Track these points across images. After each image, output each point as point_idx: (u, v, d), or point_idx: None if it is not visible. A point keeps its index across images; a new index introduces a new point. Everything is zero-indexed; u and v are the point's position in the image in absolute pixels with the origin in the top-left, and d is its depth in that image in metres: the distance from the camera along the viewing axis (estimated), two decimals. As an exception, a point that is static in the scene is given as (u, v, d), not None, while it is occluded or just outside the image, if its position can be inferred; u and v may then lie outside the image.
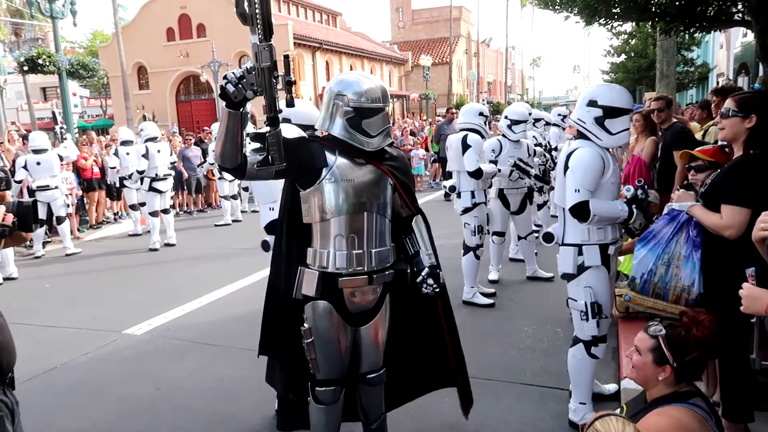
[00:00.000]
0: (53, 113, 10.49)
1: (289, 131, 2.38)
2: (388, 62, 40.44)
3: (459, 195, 5.53)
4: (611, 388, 3.57)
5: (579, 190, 2.98)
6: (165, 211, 9.05)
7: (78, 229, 10.08)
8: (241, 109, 2.13)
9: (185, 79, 30.09)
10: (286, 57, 2.08)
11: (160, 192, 8.92)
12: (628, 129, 3.04)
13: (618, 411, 2.09)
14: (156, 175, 8.83)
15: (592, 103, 3.05)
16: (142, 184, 9.01)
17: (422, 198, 12.52)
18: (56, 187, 8.56)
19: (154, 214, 8.86)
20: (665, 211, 3.48)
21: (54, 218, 8.70)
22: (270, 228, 3.33)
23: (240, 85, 2.05)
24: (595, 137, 3.05)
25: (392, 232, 2.68)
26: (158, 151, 8.86)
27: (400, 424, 3.21)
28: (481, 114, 5.44)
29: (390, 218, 2.63)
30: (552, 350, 3.77)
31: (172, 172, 9.27)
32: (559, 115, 8.31)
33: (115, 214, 11.82)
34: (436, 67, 39.21)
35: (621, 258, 4.41)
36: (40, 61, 11.23)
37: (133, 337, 5.10)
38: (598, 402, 3.37)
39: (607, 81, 31.93)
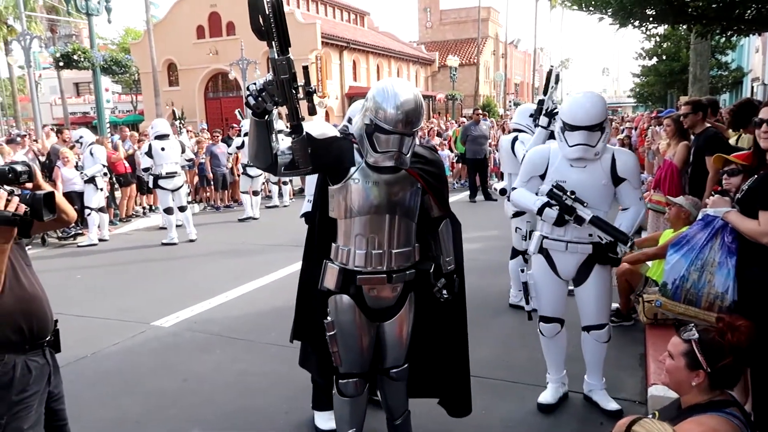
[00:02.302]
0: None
1: (322, 129, 2.50)
2: (415, 62, 40.40)
3: (510, 198, 5.41)
4: (613, 406, 3.38)
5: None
6: (181, 209, 8.94)
7: (111, 222, 10.28)
8: (266, 117, 2.27)
9: (214, 77, 30.48)
10: (305, 68, 2.18)
11: (166, 190, 8.78)
12: (583, 145, 3.11)
13: (650, 417, 2.06)
14: (160, 173, 8.67)
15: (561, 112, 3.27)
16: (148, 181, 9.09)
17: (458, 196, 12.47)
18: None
19: (168, 210, 8.88)
20: (699, 216, 3.43)
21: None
22: (306, 218, 3.40)
23: (260, 98, 2.19)
24: (558, 142, 3.25)
25: (419, 231, 2.71)
26: (162, 149, 8.67)
27: (422, 425, 3.21)
28: (531, 115, 5.31)
29: (416, 220, 2.65)
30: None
31: (179, 170, 8.95)
32: None
33: (144, 208, 12.02)
34: (463, 67, 39.05)
35: (650, 263, 4.35)
36: (75, 57, 11.50)
37: (160, 329, 5.18)
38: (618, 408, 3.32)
39: (638, 84, 31.43)
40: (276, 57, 2.08)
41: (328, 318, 2.63)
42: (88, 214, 9.07)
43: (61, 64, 12.01)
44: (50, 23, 27.78)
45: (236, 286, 6.32)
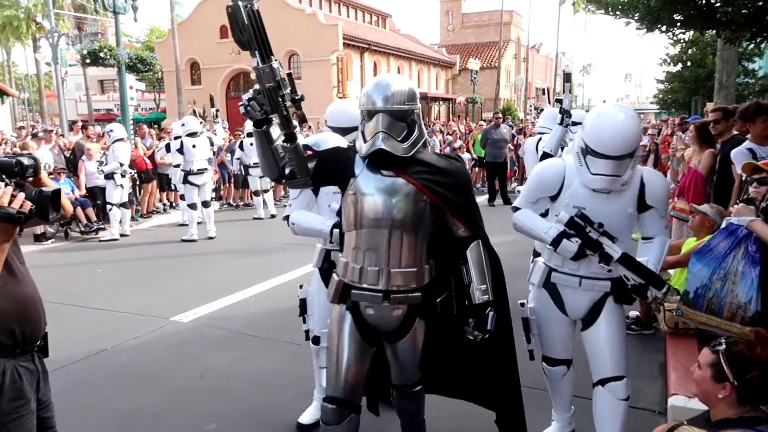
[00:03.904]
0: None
1: (329, 140, 2.46)
2: (436, 65, 40.36)
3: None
4: None
5: (520, 196, 2.90)
6: (205, 204, 9.12)
7: (132, 218, 10.41)
8: (264, 127, 2.26)
9: (235, 76, 30.75)
10: (290, 75, 2.12)
11: (195, 185, 8.98)
12: (608, 176, 2.52)
13: (686, 424, 2.03)
14: (191, 169, 8.88)
15: (583, 130, 2.64)
16: (177, 177, 9.21)
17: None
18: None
19: (192, 206, 9.00)
20: (723, 224, 3.38)
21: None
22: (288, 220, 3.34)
23: (249, 107, 2.17)
24: (576, 164, 2.66)
25: (441, 253, 2.48)
26: (193, 146, 8.88)
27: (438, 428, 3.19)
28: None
29: (427, 237, 2.40)
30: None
31: (209, 167, 9.22)
32: None
33: (164, 205, 12.15)
34: (484, 71, 38.93)
35: (671, 271, 4.29)
36: (101, 55, 11.69)
37: (179, 324, 5.24)
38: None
39: (662, 90, 30.99)
40: (258, 66, 2.07)
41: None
42: (110, 210, 9.20)
43: (87, 61, 12.22)
44: (77, 21, 28.23)
45: (254, 284, 6.37)
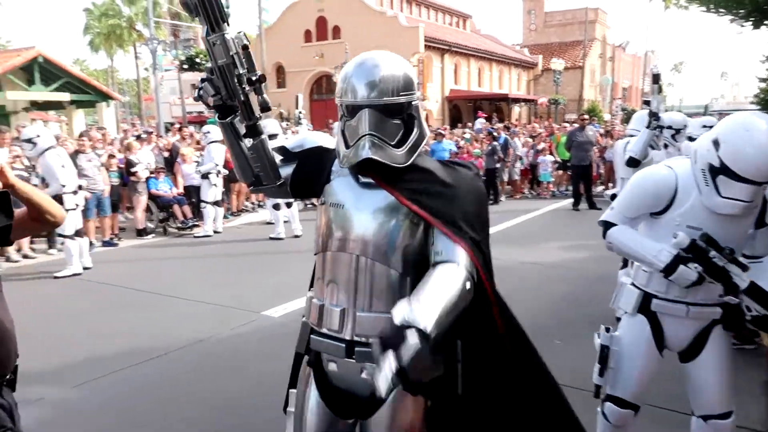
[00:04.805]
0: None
1: (315, 140, 1.91)
2: (517, 65, 39.66)
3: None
4: None
5: (614, 209, 2.47)
6: (288, 204, 9.30)
7: (224, 216, 10.93)
8: (229, 118, 1.69)
9: (319, 79, 31.54)
10: (246, 48, 1.60)
11: None
12: (743, 202, 2.15)
13: None
14: None
15: (716, 144, 2.18)
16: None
17: (548, 206, 12.20)
18: None
19: (276, 206, 9.28)
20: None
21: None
22: None
23: (202, 92, 1.66)
24: (698, 181, 2.25)
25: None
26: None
27: None
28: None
29: (413, 272, 1.73)
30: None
31: None
32: (704, 126, 7.61)
33: (253, 204, 12.66)
34: (568, 71, 37.84)
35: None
36: (197, 60, 12.32)
37: (270, 319, 5.47)
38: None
39: (763, 89, 28.91)
40: (206, 36, 1.56)
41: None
42: (204, 208, 9.71)
43: (185, 66, 12.94)
44: (173, 28, 29.90)
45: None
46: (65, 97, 16.17)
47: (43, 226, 1.96)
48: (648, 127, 4.66)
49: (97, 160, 8.79)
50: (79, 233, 7.29)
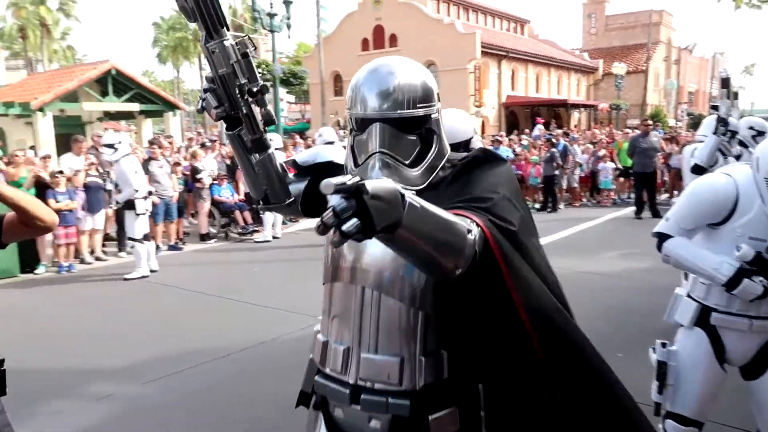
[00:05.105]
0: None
1: (327, 154, 1.73)
2: (577, 70, 38.82)
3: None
4: None
5: (669, 219, 2.37)
6: None
7: (283, 221, 11.19)
8: (236, 130, 1.49)
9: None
10: (246, 56, 1.40)
11: None
12: None
13: None
14: None
15: None
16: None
17: (609, 214, 11.88)
18: None
19: None
20: None
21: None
22: None
23: (204, 104, 1.48)
24: (762, 190, 2.14)
25: (441, 336, 1.50)
26: None
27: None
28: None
29: (429, 307, 1.48)
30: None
31: None
32: (751, 128, 7.12)
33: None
34: (630, 75, 36.73)
35: None
36: (259, 70, 12.68)
37: (327, 323, 5.57)
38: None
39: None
40: (205, 44, 1.39)
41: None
42: (263, 214, 9.98)
43: (246, 77, 13.35)
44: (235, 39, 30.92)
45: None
46: (135, 107, 16.97)
47: (34, 231, 1.90)
48: (715, 133, 4.49)
49: (167, 167, 9.19)
50: (147, 237, 7.64)
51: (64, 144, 11.63)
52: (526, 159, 13.43)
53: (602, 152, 13.61)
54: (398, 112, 1.47)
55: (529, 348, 1.40)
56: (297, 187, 1.68)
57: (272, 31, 12.64)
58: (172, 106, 18.26)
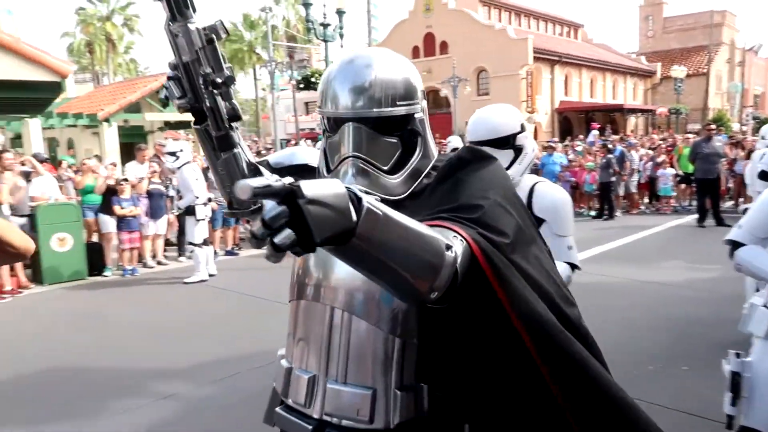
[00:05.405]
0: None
1: (300, 155, 1.53)
2: (633, 74, 37.83)
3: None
4: None
5: (741, 227, 2.30)
6: None
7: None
8: (203, 125, 1.26)
9: (426, 94, 31.86)
10: (211, 42, 1.19)
11: None
12: None
13: None
14: None
15: None
16: None
17: (669, 222, 11.49)
18: None
19: None
20: None
21: None
22: None
23: (167, 90, 1.27)
24: None
25: (422, 366, 1.29)
26: None
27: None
28: None
29: (399, 333, 1.27)
30: None
31: None
32: None
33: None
34: (690, 78, 35.51)
35: None
36: (312, 80, 12.94)
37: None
38: None
39: None
40: (168, 26, 1.20)
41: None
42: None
43: (301, 86, 13.67)
44: (289, 50, 31.60)
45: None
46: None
47: (7, 257, 1.78)
48: None
49: (224, 174, 9.45)
50: (206, 242, 7.88)
51: (128, 153, 12.17)
52: (581, 165, 13.16)
53: (661, 158, 13.19)
54: (375, 110, 1.28)
55: (534, 383, 1.17)
56: None
57: (325, 41, 12.86)
58: (229, 116, 18.79)
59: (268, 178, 0.80)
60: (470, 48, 28.20)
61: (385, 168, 1.29)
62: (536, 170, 13.65)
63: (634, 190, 13.24)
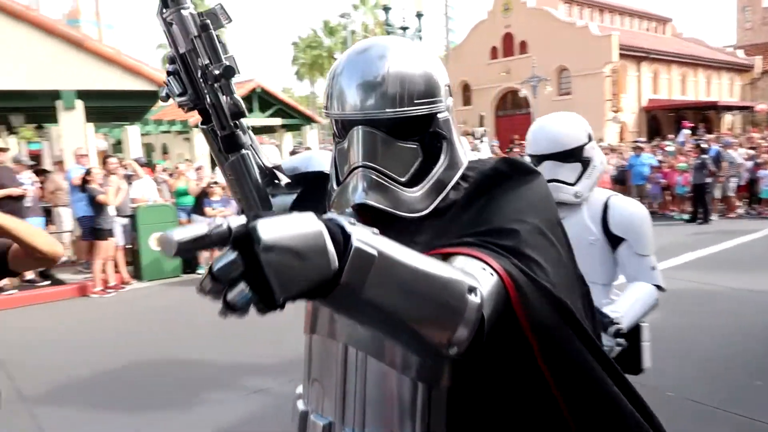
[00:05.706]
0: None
1: (318, 160, 1.32)
2: (729, 69, 35.56)
3: None
4: None
5: None
6: None
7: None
8: (210, 125, 1.21)
9: (504, 95, 31.41)
10: (206, 27, 1.08)
11: None
12: None
13: None
14: None
15: None
16: None
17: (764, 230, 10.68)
18: None
19: None
20: None
21: None
22: None
23: (168, 85, 1.20)
24: None
25: (451, 414, 1.08)
26: None
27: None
28: None
29: (423, 377, 1.05)
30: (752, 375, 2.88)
31: None
32: None
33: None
34: (795, 72, 32.98)
35: None
36: (391, 83, 13.07)
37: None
38: None
39: None
40: (160, 13, 1.10)
41: None
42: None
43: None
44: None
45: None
46: (278, 122, 18.20)
47: (36, 261, 1.81)
48: None
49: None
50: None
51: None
52: (672, 167, 12.53)
53: (762, 158, 12.33)
54: (389, 110, 1.05)
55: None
56: (283, 201, 1.27)
57: (404, 45, 12.92)
58: (310, 120, 19.31)
59: (211, 221, 0.65)
60: (551, 47, 27.48)
61: (403, 179, 1.08)
62: (624, 171, 13.12)
63: (732, 192, 12.44)
